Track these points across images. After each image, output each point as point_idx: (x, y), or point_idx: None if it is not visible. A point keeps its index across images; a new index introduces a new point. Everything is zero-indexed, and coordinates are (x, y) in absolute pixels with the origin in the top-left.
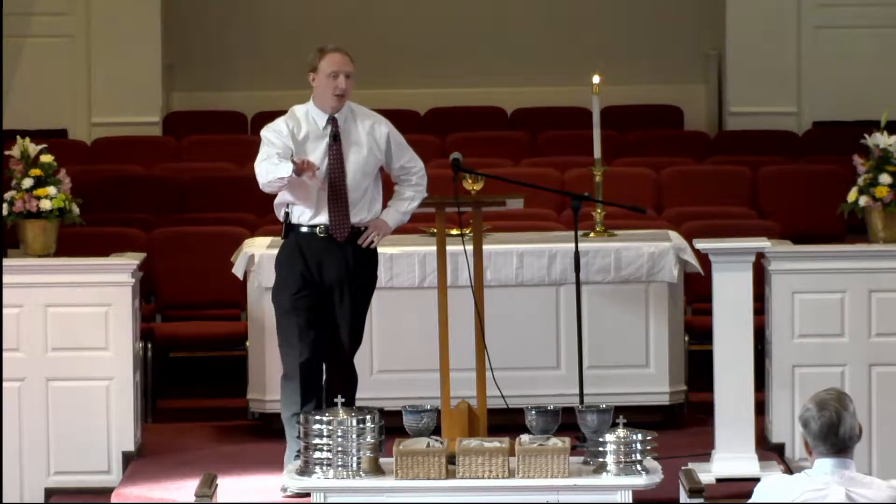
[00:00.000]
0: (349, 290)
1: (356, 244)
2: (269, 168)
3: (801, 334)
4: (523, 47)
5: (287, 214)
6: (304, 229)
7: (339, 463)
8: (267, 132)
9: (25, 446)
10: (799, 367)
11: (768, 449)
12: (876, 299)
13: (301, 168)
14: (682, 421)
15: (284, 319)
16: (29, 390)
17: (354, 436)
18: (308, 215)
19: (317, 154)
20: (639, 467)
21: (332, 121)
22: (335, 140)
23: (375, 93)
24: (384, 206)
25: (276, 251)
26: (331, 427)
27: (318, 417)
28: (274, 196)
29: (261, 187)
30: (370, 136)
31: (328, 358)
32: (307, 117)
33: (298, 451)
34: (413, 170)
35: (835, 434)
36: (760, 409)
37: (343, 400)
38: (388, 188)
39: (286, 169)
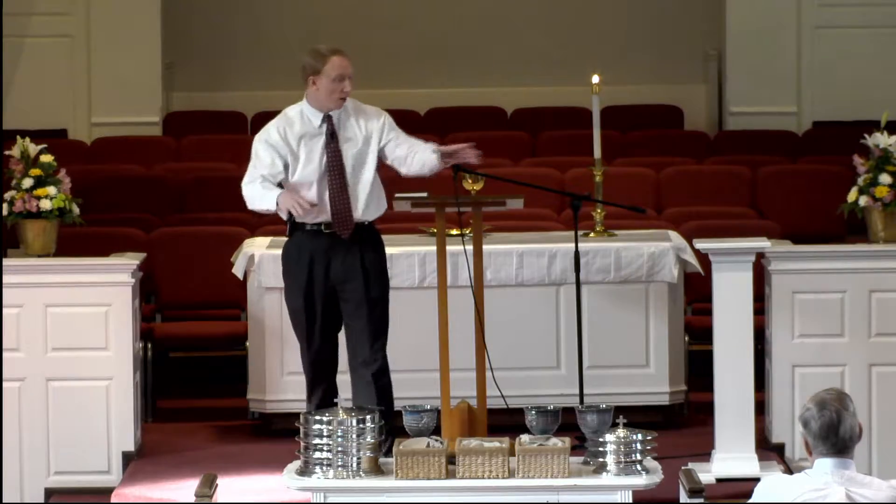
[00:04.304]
0: (360, 285)
1: (361, 240)
2: (254, 195)
3: (801, 334)
4: (523, 47)
5: (291, 213)
6: (308, 227)
7: (339, 463)
8: (257, 143)
9: (25, 446)
10: (799, 367)
11: (768, 449)
12: (876, 299)
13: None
14: (682, 421)
15: (297, 320)
16: (29, 390)
17: (354, 436)
18: (312, 213)
19: (314, 153)
20: (639, 467)
21: (328, 118)
22: (332, 137)
23: (375, 93)
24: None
25: (276, 251)
26: (331, 427)
27: (318, 417)
28: None
29: (248, 206)
30: (366, 129)
31: (355, 358)
32: (301, 117)
33: None
34: (420, 142)
35: (835, 434)
36: (760, 409)
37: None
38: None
39: (270, 202)
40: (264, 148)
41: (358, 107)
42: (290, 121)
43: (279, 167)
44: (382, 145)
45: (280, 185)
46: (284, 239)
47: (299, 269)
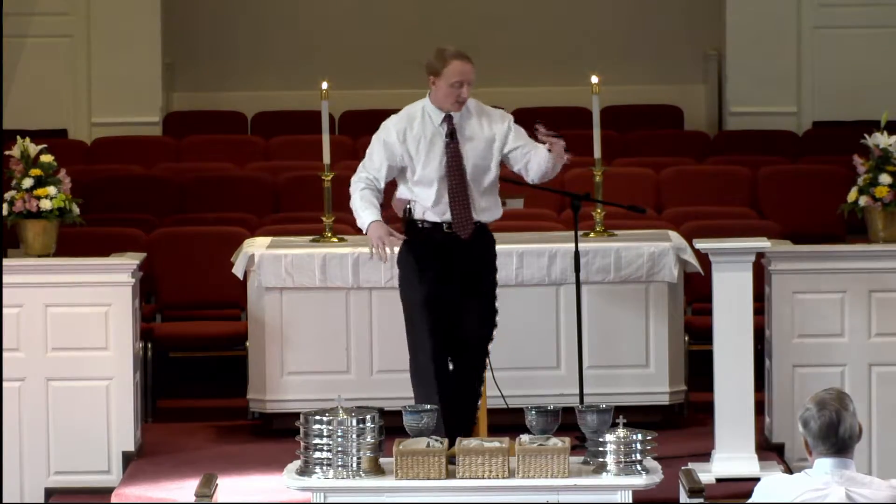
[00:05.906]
0: (476, 284)
1: (478, 239)
2: (354, 204)
3: (801, 334)
4: (523, 47)
5: (409, 210)
6: (428, 225)
7: (339, 463)
8: (375, 141)
9: (25, 446)
10: (799, 367)
11: (768, 449)
12: (876, 299)
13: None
14: (682, 421)
15: (416, 316)
16: (29, 390)
17: (354, 436)
18: (432, 212)
19: (434, 153)
20: (639, 467)
21: (448, 118)
22: (452, 138)
23: (375, 93)
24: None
25: (277, 251)
26: (331, 427)
27: (318, 417)
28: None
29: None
30: (490, 131)
31: (457, 351)
32: (423, 114)
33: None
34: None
35: (835, 434)
36: (760, 409)
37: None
38: None
39: (362, 223)
40: (379, 148)
41: (481, 108)
42: (410, 119)
43: (385, 171)
44: (507, 152)
45: (394, 181)
46: (285, 239)
47: (423, 267)
